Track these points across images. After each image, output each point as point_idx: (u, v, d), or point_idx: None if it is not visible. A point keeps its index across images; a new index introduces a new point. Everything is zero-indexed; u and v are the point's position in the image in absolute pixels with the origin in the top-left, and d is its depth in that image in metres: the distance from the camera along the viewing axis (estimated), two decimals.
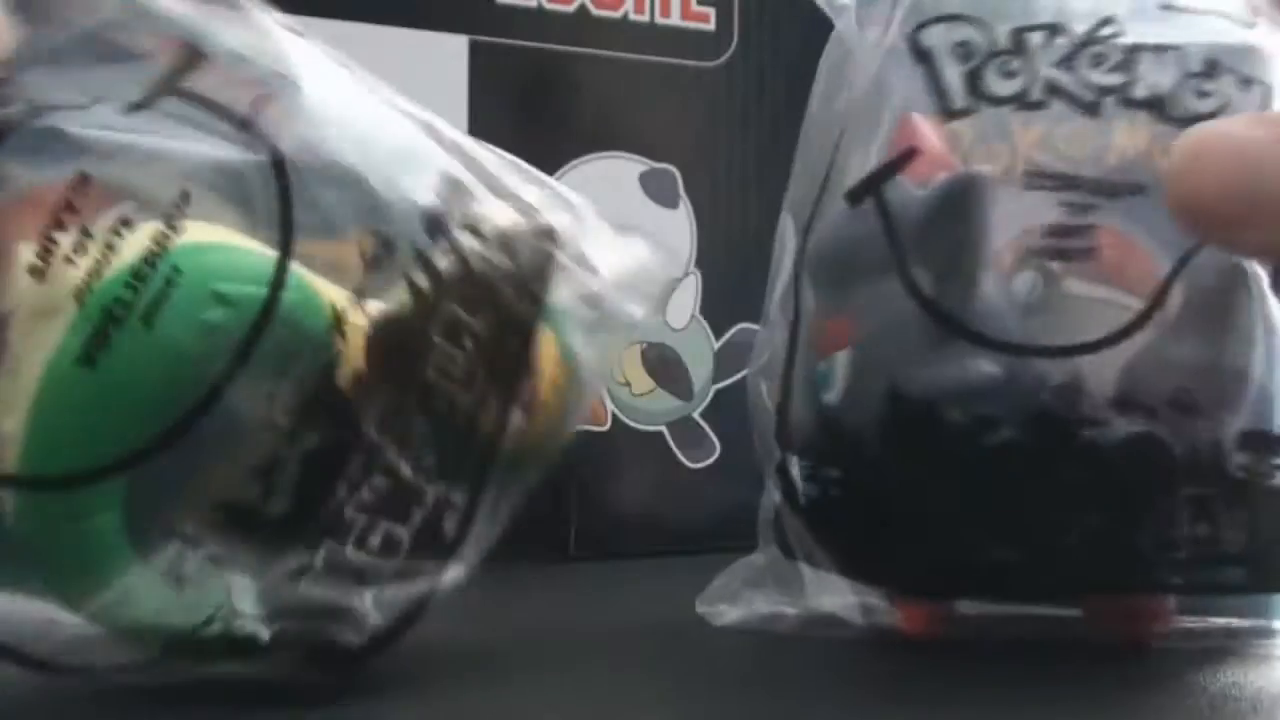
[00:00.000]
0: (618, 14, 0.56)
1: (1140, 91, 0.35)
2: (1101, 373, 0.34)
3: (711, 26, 0.58)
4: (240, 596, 0.30)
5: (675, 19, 0.57)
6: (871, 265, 0.35)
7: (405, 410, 0.31)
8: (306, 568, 0.31)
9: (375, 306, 0.31)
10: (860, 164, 0.37)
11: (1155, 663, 0.36)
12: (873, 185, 0.36)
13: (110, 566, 0.30)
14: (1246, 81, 0.35)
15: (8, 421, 0.29)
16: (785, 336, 0.38)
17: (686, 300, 0.57)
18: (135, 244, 0.29)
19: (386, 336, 0.31)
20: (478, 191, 0.34)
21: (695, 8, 0.58)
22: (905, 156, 0.36)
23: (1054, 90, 0.36)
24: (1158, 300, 0.34)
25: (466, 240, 0.33)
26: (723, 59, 0.58)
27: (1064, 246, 0.34)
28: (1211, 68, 0.35)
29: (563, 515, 0.54)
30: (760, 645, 0.37)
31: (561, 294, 0.34)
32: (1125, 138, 0.35)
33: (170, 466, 0.30)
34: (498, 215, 0.34)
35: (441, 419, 0.32)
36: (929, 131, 0.36)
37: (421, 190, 0.33)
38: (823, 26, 0.60)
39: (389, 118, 0.34)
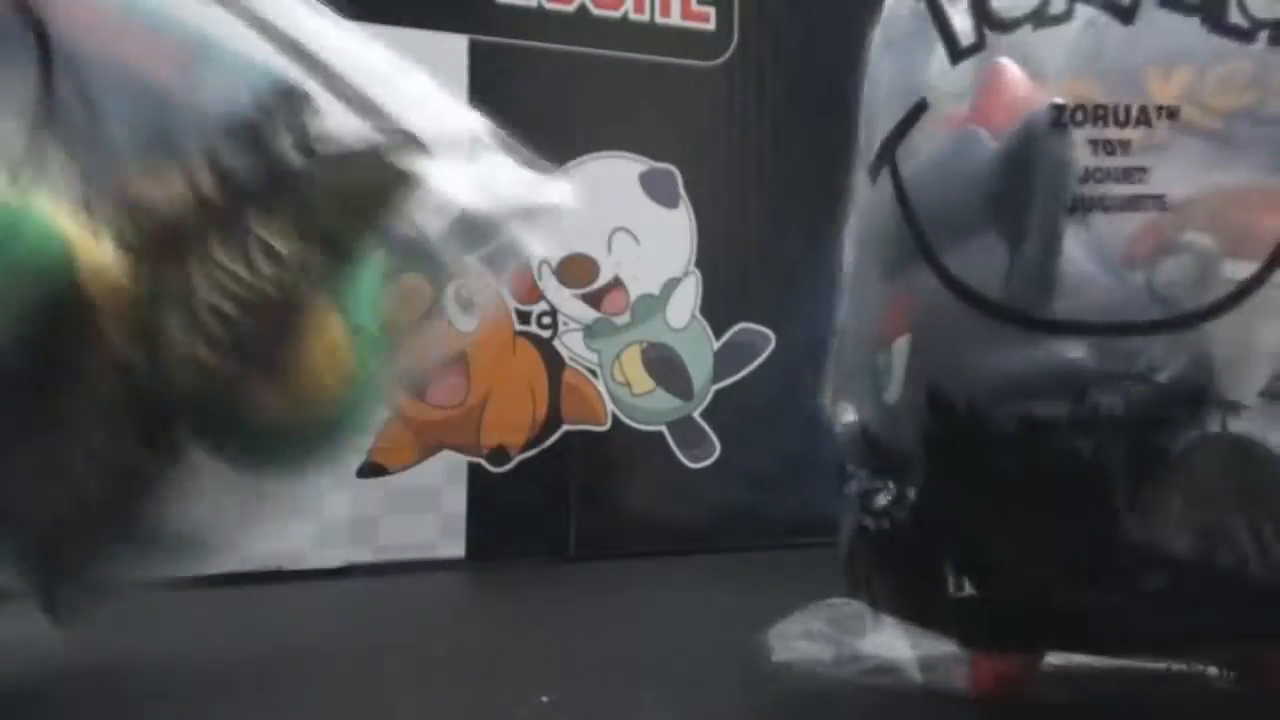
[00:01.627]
0: (618, 14, 0.56)
1: None
2: (1182, 358, 0.27)
3: (711, 26, 0.58)
4: None
5: (675, 19, 0.57)
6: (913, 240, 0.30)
7: (155, 321, 0.30)
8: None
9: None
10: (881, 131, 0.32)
11: None
12: (886, 153, 0.31)
13: None
14: None
15: None
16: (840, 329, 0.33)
17: (686, 300, 0.57)
18: None
19: (156, 237, 0.30)
20: (326, 105, 0.31)
21: (695, 8, 0.58)
22: (914, 113, 0.31)
23: None
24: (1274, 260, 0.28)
25: (290, 154, 0.31)
26: (723, 59, 0.58)
27: (1105, 193, 0.29)
28: None
29: (563, 515, 0.54)
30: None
31: (416, 213, 0.32)
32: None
33: None
34: (345, 130, 0.31)
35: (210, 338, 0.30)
36: (1017, 79, 0.30)
37: (238, 100, 0.31)
38: (823, 26, 0.60)
39: (223, 27, 0.32)
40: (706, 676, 0.34)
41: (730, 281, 0.58)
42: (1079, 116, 0.29)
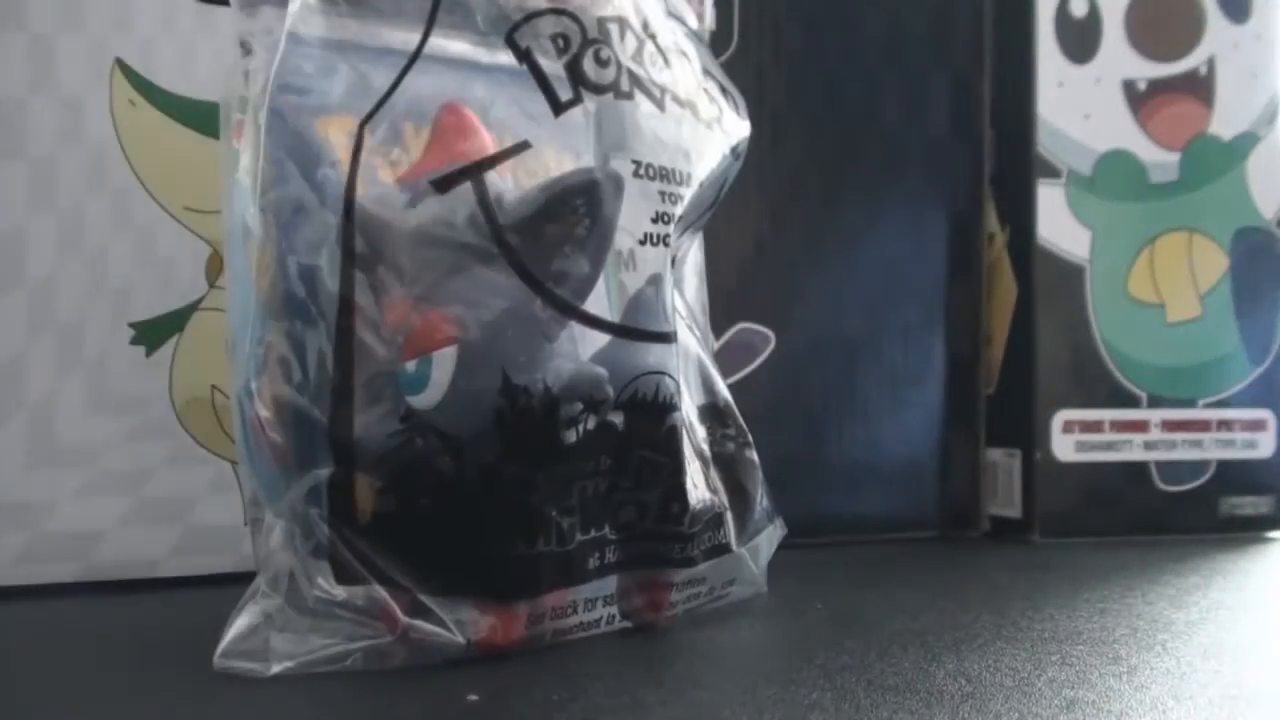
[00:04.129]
0: None
1: (682, 93, 0.38)
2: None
3: (711, 26, 0.58)
4: None
5: None
6: (473, 253, 0.34)
7: None
8: None
9: None
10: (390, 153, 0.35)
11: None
12: (469, 173, 0.34)
13: None
14: None
15: None
16: (329, 339, 0.33)
17: None
18: None
19: None
20: None
21: (696, 8, 0.58)
22: (511, 150, 0.35)
23: (636, 82, 0.37)
24: None
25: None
26: (722, 59, 0.58)
27: None
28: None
29: None
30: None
31: None
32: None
33: None
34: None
35: None
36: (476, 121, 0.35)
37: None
38: (823, 26, 0.60)
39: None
40: None
41: (730, 281, 0.58)
42: (649, 172, 0.36)
